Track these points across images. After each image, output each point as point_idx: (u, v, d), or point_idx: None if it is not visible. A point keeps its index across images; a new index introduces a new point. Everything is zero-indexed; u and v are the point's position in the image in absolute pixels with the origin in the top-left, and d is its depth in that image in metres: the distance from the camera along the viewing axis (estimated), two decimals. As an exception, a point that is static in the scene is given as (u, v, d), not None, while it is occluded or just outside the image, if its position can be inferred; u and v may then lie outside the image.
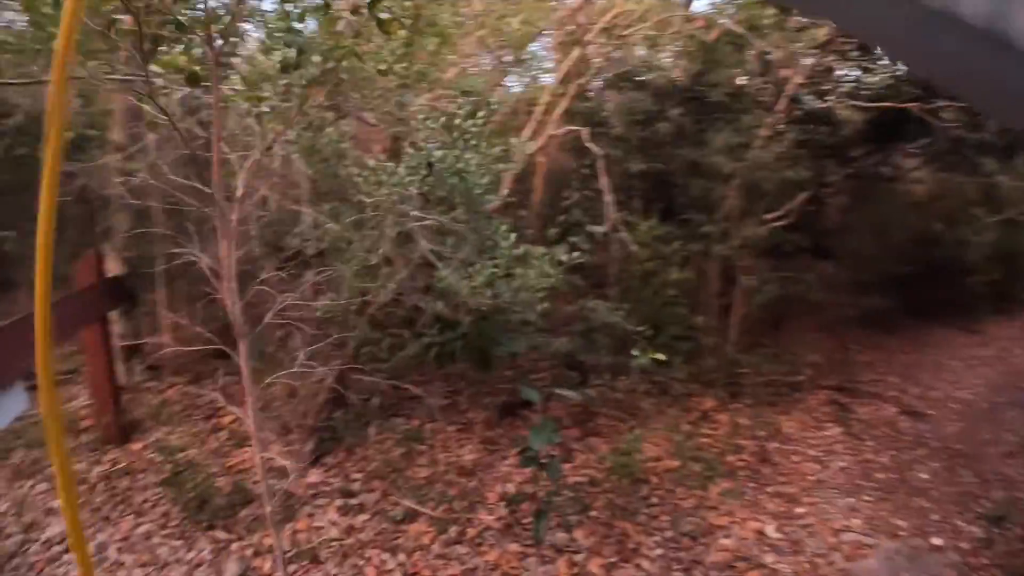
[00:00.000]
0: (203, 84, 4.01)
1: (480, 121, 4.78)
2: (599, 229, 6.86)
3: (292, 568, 5.05)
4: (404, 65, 4.92)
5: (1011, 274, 10.36)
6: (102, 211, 7.25)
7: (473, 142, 4.71)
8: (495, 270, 4.57)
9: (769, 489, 6.06)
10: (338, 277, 5.72)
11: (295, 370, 5.75)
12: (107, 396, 6.46)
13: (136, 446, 6.51)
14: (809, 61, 7.86)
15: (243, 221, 6.39)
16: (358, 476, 6.10)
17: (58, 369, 7.81)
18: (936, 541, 5.39)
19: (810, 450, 6.73)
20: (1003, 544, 5.29)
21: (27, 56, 4.51)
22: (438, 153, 4.54)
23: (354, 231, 5.16)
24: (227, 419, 7.03)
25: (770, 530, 5.46)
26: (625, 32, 7.17)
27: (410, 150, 4.60)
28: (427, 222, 5.05)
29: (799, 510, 5.75)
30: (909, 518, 5.68)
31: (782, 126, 7.76)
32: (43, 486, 5.93)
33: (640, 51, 8.25)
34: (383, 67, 4.58)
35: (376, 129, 6.24)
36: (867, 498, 5.97)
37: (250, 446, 6.54)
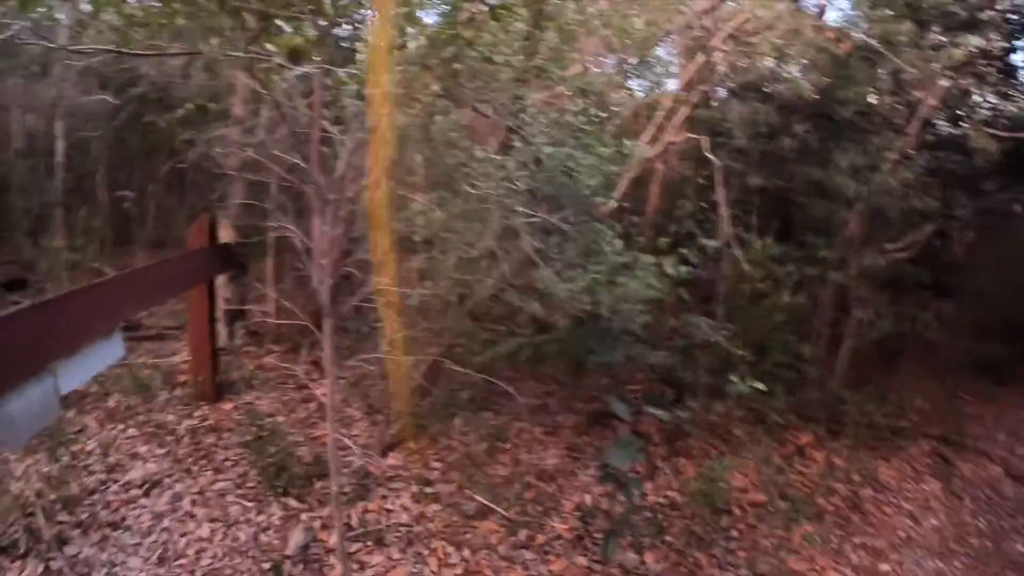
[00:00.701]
0: (310, 61, 3.91)
1: (595, 119, 4.49)
2: (711, 243, 6.43)
3: (356, 546, 4.92)
4: (521, 58, 4.67)
5: None
6: (219, 180, 7.34)
7: (585, 141, 4.42)
8: (597, 276, 4.26)
9: (856, 539, 5.55)
10: (440, 266, 5.55)
11: (377, 355, 5.66)
12: (205, 355, 6.51)
13: (227, 406, 6.54)
14: (945, 83, 7.18)
15: (351, 201, 6.34)
16: (438, 465, 5.93)
17: (165, 324, 7.99)
18: (1024, 621, 4.80)
19: (905, 503, 6.15)
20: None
21: (154, 29, 4.51)
22: (548, 149, 4.27)
23: (459, 221, 4.95)
24: (319, 391, 6.99)
25: (848, 584, 4.99)
26: (752, 39, 6.70)
27: (518, 144, 4.35)
28: (533, 219, 4.79)
29: (883, 567, 5.25)
30: (998, 592, 5.09)
31: (912, 151, 7.12)
32: (132, 431, 6.01)
33: (767, 61, 7.75)
34: (499, 58, 4.35)
35: (493, 121, 6.04)
36: (957, 564, 5.42)
37: (336, 421, 6.48)
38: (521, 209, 4.64)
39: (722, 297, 7.12)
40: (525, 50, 5.43)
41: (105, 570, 4.49)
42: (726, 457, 6.10)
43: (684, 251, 6.29)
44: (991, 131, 7.44)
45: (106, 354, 4.68)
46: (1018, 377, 8.83)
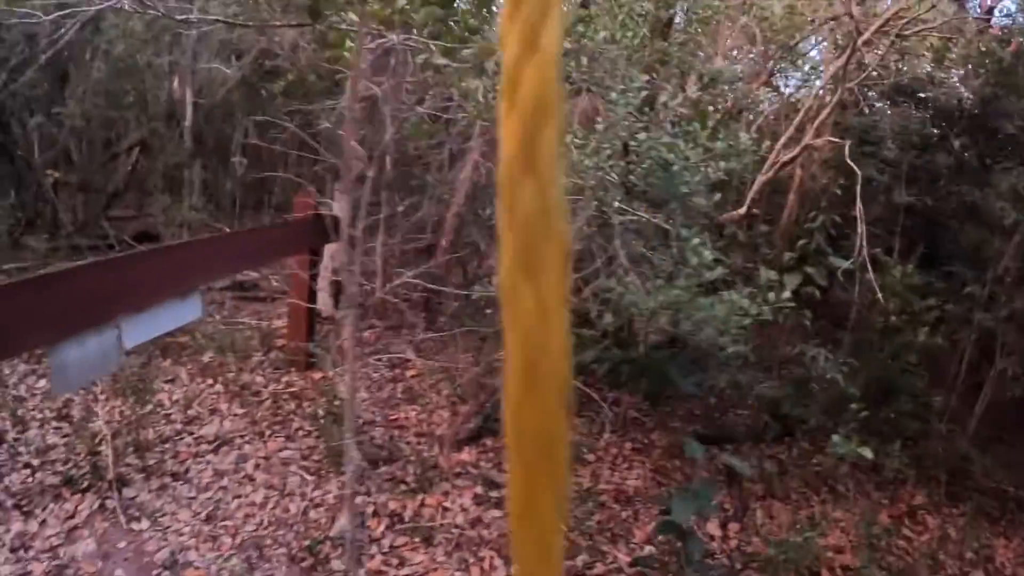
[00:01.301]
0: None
1: (709, 106, 3.62)
2: (843, 264, 5.35)
3: (402, 540, 4.37)
4: (632, 36, 3.87)
5: None
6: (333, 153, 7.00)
7: (687, 128, 3.57)
8: (680, 292, 3.39)
9: (955, 630, 4.40)
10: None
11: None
12: (301, 323, 6.19)
13: (316, 375, 6.18)
14: None
15: (447, 182, 5.77)
16: (510, 468, 5.24)
17: (279, 288, 7.79)
18: None
19: (1017, 594, 4.87)
20: None
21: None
22: (641, 136, 3.45)
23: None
24: (410, 372, 6.52)
25: None
26: (907, 33, 5.48)
27: (599, 125, 3.53)
28: (628, 217, 3.99)
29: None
30: None
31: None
32: (219, 388, 5.77)
33: (924, 62, 6.44)
34: (603, 33, 3.58)
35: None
36: None
37: (418, 406, 6.00)
38: (617, 204, 3.85)
39: (851, 326, 5.95)
40: (652, 33, 4.64)
41: (153, 517, 4.28)
42: (826, 509, 5.04)
43: (810, 270, 5.27)
44: None
45: (179, 314, 4.41)
46: None
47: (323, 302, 6.99)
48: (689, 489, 3.28)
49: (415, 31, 3.59)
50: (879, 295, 5.01)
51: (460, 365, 6.28)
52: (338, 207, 6.65)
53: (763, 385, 5.15)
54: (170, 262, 4.24)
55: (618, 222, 3.84)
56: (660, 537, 3.93)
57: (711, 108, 4.29)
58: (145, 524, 4.21)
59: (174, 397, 5.54)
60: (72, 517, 4.17)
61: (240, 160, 7.87)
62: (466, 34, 3.73)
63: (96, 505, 4.27)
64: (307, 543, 4.22)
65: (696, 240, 3.31)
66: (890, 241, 6.06)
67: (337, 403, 5.57)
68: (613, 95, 3.54)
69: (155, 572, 3.91)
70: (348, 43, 3.41)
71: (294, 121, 6.17)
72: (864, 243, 4.87)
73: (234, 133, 8.21)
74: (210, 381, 5.83)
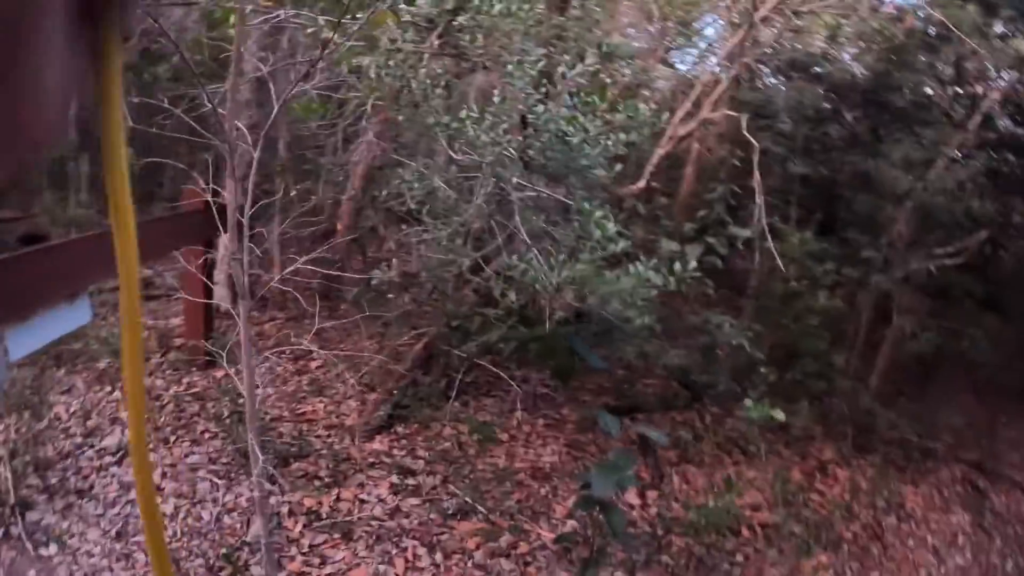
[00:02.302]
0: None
1: (607, 79, 3.67)
2: (743, 233, 5.54)
3: (321, 539, 4.30)
4: (528, 9, 3.87)
5: None
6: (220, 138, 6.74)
7: (586, 100, 3.61)
8: (584, 266, 3.43)
9: (873, 574, 4.67)
10: (434, 240, 4.79)
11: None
12: (199, 319, 5.96)
13: (218, 373, 5.95)
14: (1011, 76, 6.15)
15: (342, 165, 5.65)
16: (424, 455, 5.23)
17: (168, 284, 7.46)
18: None
19: (930, 536, 5.25)
20: None
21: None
22: (538, 108, 3.47)
23: (443, 192, 4.18)
24: (314, 364, 6.37)
25: (861, 628, 4.14)
26: (802, 11, 5.73)
27: (495, 98, 3.54)
28: (527, 193, 4.00)
29: (899, 609, 4.38)
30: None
31: (971, 148, 6.10)
32: (117, 395, 5.48)
33: (818, 39, 6.73)
34: (499, 6, 3.57)
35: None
36: (980, 611, 4.51)
37: (326, 398, 5.89)
38: (515, 180, 3.85)
39: (752, 294, 6.21)
40: (549, 8, 4.66)
41: (61, 540, 4.03)
42: (740, 470, 5.26)
43: (711, 240, 5.44)
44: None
45: (67, 319, 4.16)
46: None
47: (220, 296, 6.72)
48: (608, 462, 3.34)
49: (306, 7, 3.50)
50: (779, 262, 5.24)
51: (365, 353, 6.19)
52: (227, 194, 6.44)
53: (670, 354, 5.31)
54: (50, 266, 3.98)
55: (517, 198, 3.85)
56: (581, 512, 4.00)
57: (609, 81, 4.35)
58: (53, 549, 3.97)
59: (72, 408, 5.24)
60: (-26, 550, 3.87)
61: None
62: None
63: (0, 533, 4.00)
64: (224, 551, 4.10)
65: (599, 213, 3.34)
66: (787, 210, 6.35)
67: (241, 402, 5.42)
68: (509, 67, 3.54)
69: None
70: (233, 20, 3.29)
71: (181, 106, 5.91)
72: (763, 213, 5.07)
73: (130, 124, 7.76)
74: (108, 388, 5.54)
